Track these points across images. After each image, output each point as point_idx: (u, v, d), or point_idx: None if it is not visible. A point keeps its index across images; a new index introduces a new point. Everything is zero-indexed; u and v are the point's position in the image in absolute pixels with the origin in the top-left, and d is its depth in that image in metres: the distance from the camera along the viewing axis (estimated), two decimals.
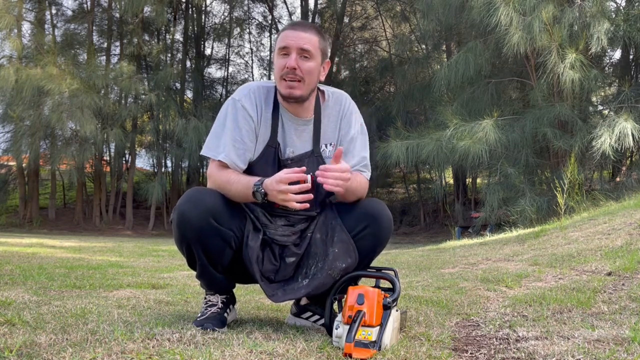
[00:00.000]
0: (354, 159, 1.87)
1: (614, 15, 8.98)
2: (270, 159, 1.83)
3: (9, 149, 14.25)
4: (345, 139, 1.89)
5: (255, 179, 1.73)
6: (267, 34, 20.67)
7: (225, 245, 1.75)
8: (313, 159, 1.85)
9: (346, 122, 1.90)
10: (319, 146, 1.87)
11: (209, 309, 1.85)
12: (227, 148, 1.79)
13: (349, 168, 1.69)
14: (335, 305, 1.77)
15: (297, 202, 1.66)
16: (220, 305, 1.87)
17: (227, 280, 1.88)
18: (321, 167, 1.66)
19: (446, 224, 13.23)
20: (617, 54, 11.18)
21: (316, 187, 1.81)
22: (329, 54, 1.86)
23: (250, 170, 1.83)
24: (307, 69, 1.77)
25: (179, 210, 1.71)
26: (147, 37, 16.77)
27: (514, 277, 3.17)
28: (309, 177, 1.66)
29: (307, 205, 1.68)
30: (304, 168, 1.67)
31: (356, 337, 1.45)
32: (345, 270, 1.76)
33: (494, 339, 1.69)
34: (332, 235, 1.81)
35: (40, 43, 14.15)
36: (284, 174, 1.65)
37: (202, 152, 1.84)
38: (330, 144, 1.89)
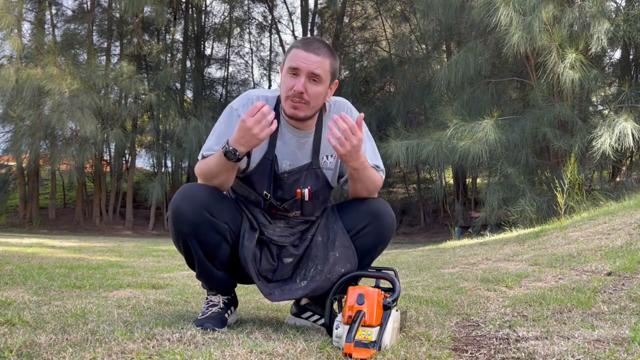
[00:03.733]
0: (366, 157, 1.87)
1: (614, 15, 8.97)
2: (266, 171, 1.82)
3: (9, 149, 14.26)
4: None
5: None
6: (267, 34, 20.70)
7: (221, 239, 1.75)
8: (311, 171, 1.85)
9: None
10: (318, 159, 1.86)
11: (210, 308, 1.85)
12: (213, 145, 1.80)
13: (361, 138, 1.67)
14: (335, 305, 1.77)
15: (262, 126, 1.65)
16: (221, 305, 1.87)
17: (227, 278, 1.88)
18: (342, 114, 1.65)
19: (446, 224, 13.22)
20: (617, 54, 11.19)
21: (314, 195, 1.81)
22: (337, 75, 1.84)
23: (247, 181, 1.84)
24: (315, 93, 1.75)
25: (174, 206, 1.72)
26: (147, 37, 16.77)
27: (514, 277, 3.17)
28: (267, 107, 1.65)
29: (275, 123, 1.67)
30: (262, 103, 1.66)
31: (356, 337, 1.45)
32: (343, 275, 1.76)
33: (494, 339, 1.69)
34: (334, 239, 1.81)
35: (40, 43, 14.15)
36: (241, 119, 1.65)
37: (199, 157, 1.85)
38: (331, 155, 1.87)
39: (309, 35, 18.22)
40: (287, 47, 20.81)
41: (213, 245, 1.75)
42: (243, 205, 1.85)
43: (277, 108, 1.84)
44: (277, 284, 1.82)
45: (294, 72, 1.74)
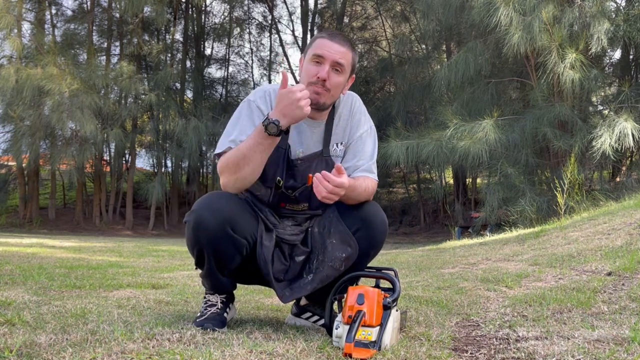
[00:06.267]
0: (363, 160, 1.88)
1: (614, 15, 8.97)
2: (280, 159, 1.84)
3: (9, 149, 14.27)
4: (353, 136, 1.91)
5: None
6: (267, 34, 20.71)
7: (237, 253, 1.76)
8: (322, 159, 1.87)
9: (356, 121, 1.92)
10: (328, 147, 1.89)
11: (209, 309, 1.86)
12: (237, 144, 1.78)
13: (347, 185, 1.67)
14: (335, 305, 1.77)
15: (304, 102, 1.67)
16: (219, 305, 1.87)
17: (231, 282, 1.90)
18: (323, 173, 1.65)
19: (446, 224, 13.23)
20: (617, 54, 11.19)
21: None
22: (355, 70, 1.89)
23: None
24: (336, 83, 1.79)
25: (197, 214, 1.70)
26: (147, 37, 16.78)
27: (514, 277, 3.17)
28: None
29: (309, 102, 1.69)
30: (302, 86, 1.70)
31: (356, 337, 1.45)
32: (346, 260, 1.77)
33: (494, 339, 1.69)
34: (329, 227, 1.82)
35: (40, 43, 14.15)
36: (286, 89, 1.67)
37: (216, 152, 1.83)
38: (341, 143, 1.91)
39: (309, 35, 18.24)
40: (287, 47, 20.77)
41: (227, 258, 1.76)
42: (254, 206, 1.85)
43: None
44: (287, 283, 1.82)
45: (319, 60, 1.78)
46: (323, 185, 1.63)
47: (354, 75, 1.88)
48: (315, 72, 1.77)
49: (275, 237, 1.82)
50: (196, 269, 1.87)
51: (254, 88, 19.60)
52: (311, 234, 1.86)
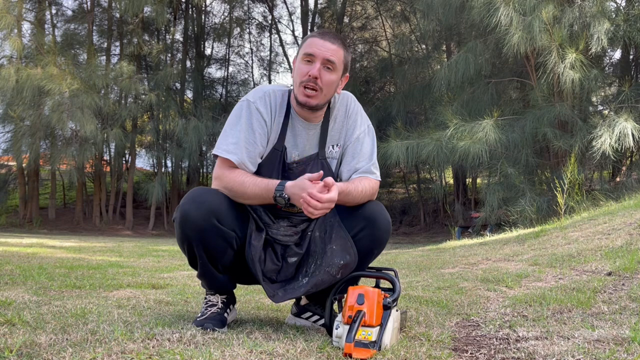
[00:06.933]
0: (362, 161, 1.87)
1: (614, 15, 8.97)
2: (275, 162, 1.83)
3: (9, 149, 14.27)
4: (350, 139, 1.90)
5: (275, 183, 1.72)
6: (267, 34, 20.70)
7: (227, 246, 1.75)
8: (317, 161, 1.87)
9: (352, 122, 1.91)
10: (324, 150, 1.88)
11: (209, 309, 1.86)
12: (239, 149, 1.78)
13: (335, 198, 1.67)
14: (335, 305, 1.77)
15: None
16: (220, 305, 1.87)
17: (229, 280, 1.89)
18: (310, 193, 1.64)
19: (446, 224, 13.23)
20: (617, 54, 11.19)
21: None
22: (349, 68, 1.88)
23: (255, 172, 1.83)
24: (328, 81, 1.78)
25: (182, 209, 1.71)
26: (147, 37, 16.77)
27: (514, 277, 3.17)
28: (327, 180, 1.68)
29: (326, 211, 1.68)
30: (321, 173, 1.68)
31: (356, 337, 1.45)
32: (344, 267, 1.76)
33: (494, 339, 1.69)
34: (331, 232, 1.81)
35: (40, 43, 14.15)
36: (311, 183, 1.66)
37: (214, 152, 1.83)
38: (337, 145, 1.90)
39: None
40: (287, 47, 20.80)
41: (218, 251, 1.75)
42: (248, 206, 1.85)
43: (288, 101, 1.87)
44: (281, 284, 1.82)
45: (309, 58, 1.77)
46: (312, 205, 1.64)
47: (347, 74, 1.87)
48: (307, 71, 1.76)
49: (265, 237, 1.81)
50: (191, 267, 1.87)
51: (254, 88, 19.59)
52: (312, 237, 1.85)
